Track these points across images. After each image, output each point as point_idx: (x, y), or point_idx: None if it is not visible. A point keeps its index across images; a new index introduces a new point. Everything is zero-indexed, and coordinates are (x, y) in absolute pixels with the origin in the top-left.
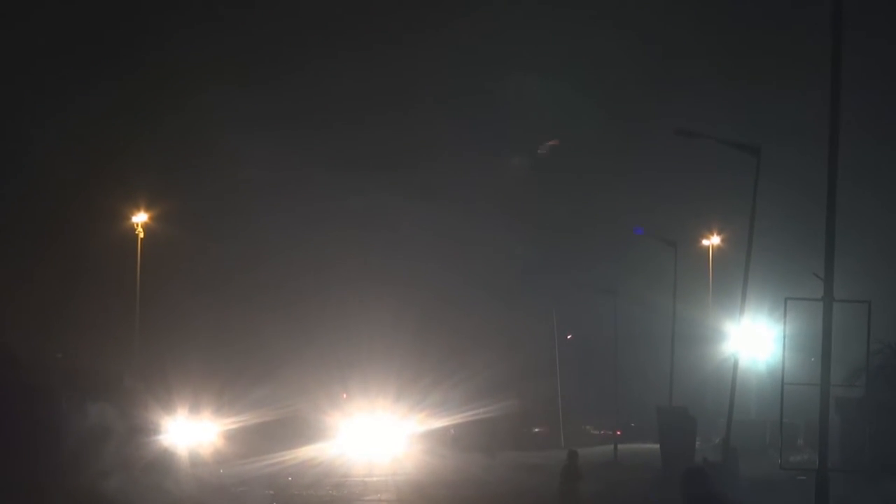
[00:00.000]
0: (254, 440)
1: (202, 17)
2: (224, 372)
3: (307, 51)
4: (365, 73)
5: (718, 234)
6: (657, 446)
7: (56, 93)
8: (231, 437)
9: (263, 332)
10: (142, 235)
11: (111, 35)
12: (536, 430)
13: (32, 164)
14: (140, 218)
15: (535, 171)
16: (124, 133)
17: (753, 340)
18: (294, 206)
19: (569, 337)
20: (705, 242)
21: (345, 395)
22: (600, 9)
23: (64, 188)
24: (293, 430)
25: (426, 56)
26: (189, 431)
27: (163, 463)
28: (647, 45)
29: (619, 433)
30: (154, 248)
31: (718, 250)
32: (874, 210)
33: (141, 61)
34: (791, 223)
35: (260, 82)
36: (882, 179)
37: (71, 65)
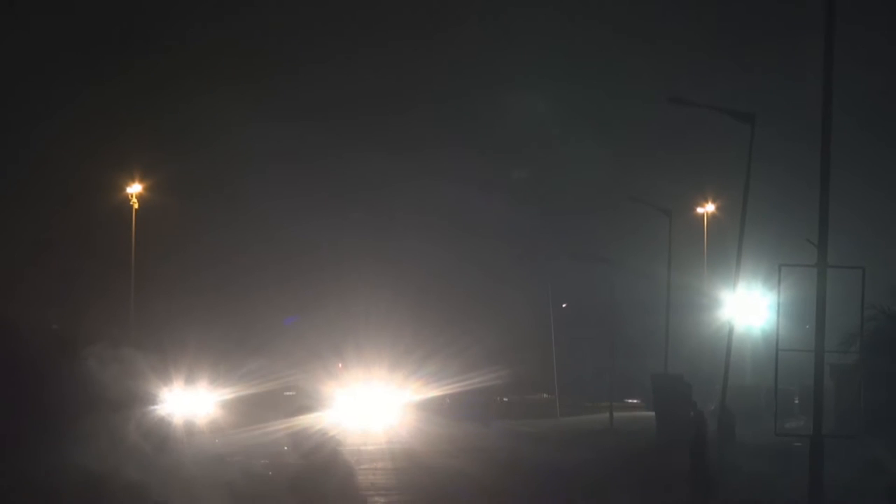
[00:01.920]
0: (250, 410)
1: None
2: (220, 342)
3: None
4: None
5: (713, 202)
6: (653, 413)
7: (52, 71)
8: (227, 407)
9: (259, 303)
10: (136, 206)
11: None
12: (545, 395)
13: (27, 139)
14: (134, 189)
15: (529, 143)
16: (120, 107)
17: (748, 307)
18: (289, 181)
19: (564, 306)
20: (700, 211)
21: (340, 365)
22: None
23: (61, 161)
24: (289, 399)
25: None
26: (185, 402)
27: (159, 433)
28: (643, 22)
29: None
30: (150, 220)
31: (713, 219)
32: (868, 179)
33: (135, 40)
34: (786, 192)
35: (259, 71)
36: (876, 147)
37: (70, 44)
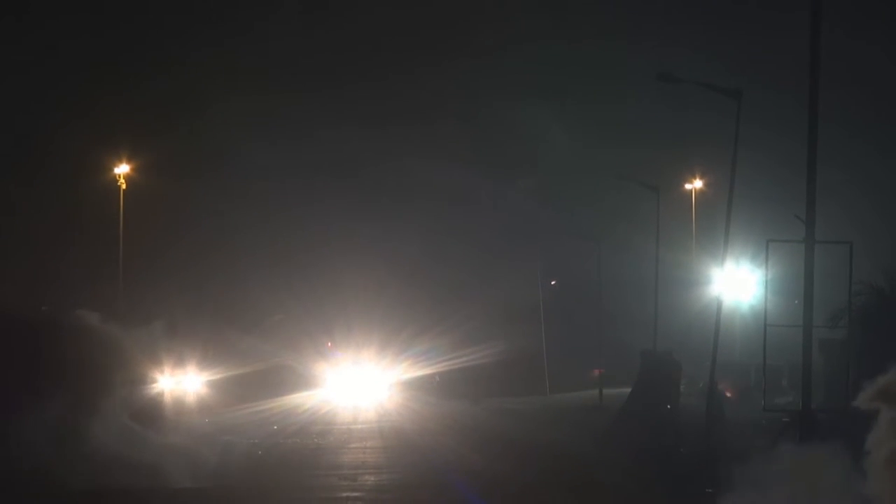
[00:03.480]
0: (239, 389)
1: None
2: (210, 322)
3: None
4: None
5: (701, 178)
6: None
7: (41, 45)
8: (217, 386)
9: (249, 283)
10: (124, 187)
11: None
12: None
13: (16, 118)
14: (122, 169)
15: (517, 122)
16: (107, 86)
17: (737, 283)
18: (279, 158)
19: (553, 283)
20: (688, 187)
21: (329, 344)
22: None
23: (48, 140)
24: (279, 379)
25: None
26: (175, 381)
27: (149, 412)
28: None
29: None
30: (139, 200)
31: (702, 195)
32: (856, 153)
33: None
34: (774, 167)
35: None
36: (864, 121)
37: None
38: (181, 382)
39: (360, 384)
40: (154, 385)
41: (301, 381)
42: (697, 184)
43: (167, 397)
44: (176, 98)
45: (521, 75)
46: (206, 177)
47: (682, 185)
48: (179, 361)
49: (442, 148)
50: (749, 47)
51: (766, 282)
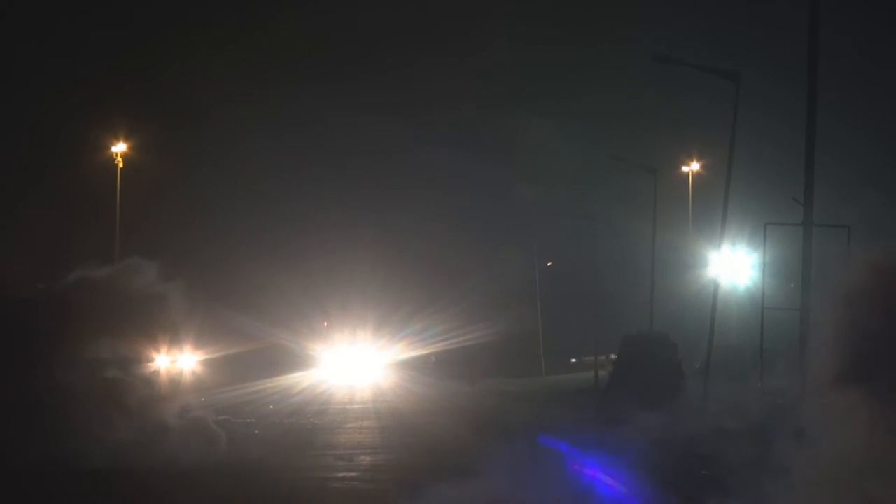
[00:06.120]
0: (235, 369)
1: None
2: (205, 301)
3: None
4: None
5: (698, 160)
6: None
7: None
8: (212, 365)
9: (245, 262)
10: (121, 165)
11: None
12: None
13: (17, 95)
14: (119, 147)
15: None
16: (106, 63)
17: (734, 266)
18: (277, 136)
19: (549, 264)
20: (685, 169)
21: (325, 324)
22: None
23: (49, 119)
24: (275, 359)
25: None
26: (170, 360)
27: (144, 392)
28: None
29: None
30: (136, 178)
31: (699, 177)
32: (854, 136)
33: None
34: (772, 150)
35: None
36: (863, 104)
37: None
38: (177, 361)
39: (355, 364)
40: (148, 365)
41: (297, 362)
42: (695, 166)
43: (162, 377)
44: (186, 87)
45: (519, 64)
46: (213, 165)
47: (680, 168)
48: (175, 339)
49: (441, 135)
50: (749, 32)
51: (764, 265)
